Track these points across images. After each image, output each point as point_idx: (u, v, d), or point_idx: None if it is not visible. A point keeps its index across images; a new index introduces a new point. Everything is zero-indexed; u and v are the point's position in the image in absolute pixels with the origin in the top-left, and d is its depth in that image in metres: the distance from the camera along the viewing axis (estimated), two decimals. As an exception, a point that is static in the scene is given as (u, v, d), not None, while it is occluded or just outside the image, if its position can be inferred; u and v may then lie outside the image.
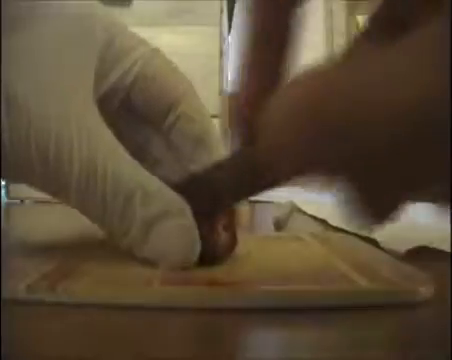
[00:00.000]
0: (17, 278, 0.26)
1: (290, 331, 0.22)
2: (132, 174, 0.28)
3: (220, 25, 0.94)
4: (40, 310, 0.23)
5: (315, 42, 1.98)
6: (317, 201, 0.88)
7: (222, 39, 0.97)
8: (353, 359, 0.19)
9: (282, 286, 0.26)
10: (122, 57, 0.32)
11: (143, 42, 0.33)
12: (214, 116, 0.89)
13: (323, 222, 0.56)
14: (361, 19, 2.14)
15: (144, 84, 0.33)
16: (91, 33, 0.30)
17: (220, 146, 0.34)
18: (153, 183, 0.29)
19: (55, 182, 0.28)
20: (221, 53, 0.93)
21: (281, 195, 0.98)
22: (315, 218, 0.61)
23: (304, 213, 0.67)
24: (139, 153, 0.31)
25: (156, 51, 0.34)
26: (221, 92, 0.93)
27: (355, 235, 0.44)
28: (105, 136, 0.29)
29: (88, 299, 0.24)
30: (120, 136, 0.29)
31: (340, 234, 0.46)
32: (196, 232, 0.28)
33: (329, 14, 2.01)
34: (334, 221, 0.53)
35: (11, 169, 0.29)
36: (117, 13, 0.88)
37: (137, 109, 0.33)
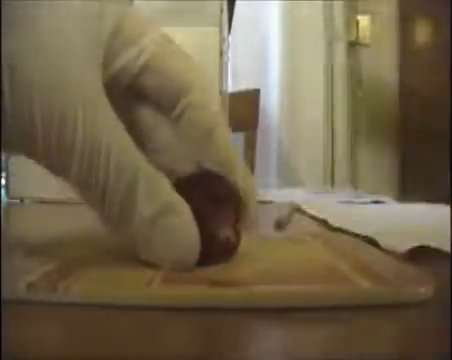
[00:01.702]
0: (17, 278, 0.26)
1: (290, 331, 0.22)
2: (136, 163, 0.28)
3: (220, 25, 0.93)
4: (40, 310, 0.23)
5: (315, 42, 1.98)
6: (318, 201, 0.88)
7: (222, 39, 0.97)
8: (353, 359, 0.19)
9: (282, 286, 0.26)
10: (131, 42, 0.32)
11: (153, 28, 0.33)
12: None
13: (324, 222, 0.56)
14: (361, 19, 2.14)
15: (154, 70, 0.32)
16: (100, 16, 0.30)
17: (228, 136, 0.33)
18: (157, 177, 0.29)
19: (57, 158, 0.28)
20: (221, 53, 0.93)
21: (282, 195, 0.99)
22: (316, 218, 0.61)
23: (305, 213, 0.67)
24: (141, 140, 0.31)
25: (166, 37, 0.33)
26: (221, 92, 0.93)
27: (355, 235, 0.44)
28: (111, 118, 0.28)
29: (88, 299, 0.24)
30: (124, 122, 0.29)
31: (340, 234, 0.46)
32: (196, 230, 0.28)
33: (329, 14, 2.01)
34: (335, 221, 0.53)
35: (15, 140, 0.28)
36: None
37: (146, 95, 0.33)
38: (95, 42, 0.30)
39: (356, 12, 2.12)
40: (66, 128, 0.27)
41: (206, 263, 0.29)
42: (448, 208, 0.62)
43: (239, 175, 0.32)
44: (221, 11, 0.95)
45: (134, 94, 0.33)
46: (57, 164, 0.28)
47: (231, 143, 0.33)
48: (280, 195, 0.99)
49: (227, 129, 0.33)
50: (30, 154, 0.29)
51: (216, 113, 0.33)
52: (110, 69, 0.31)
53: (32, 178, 0.81)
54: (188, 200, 0.29)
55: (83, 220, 0.30)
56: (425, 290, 0.25)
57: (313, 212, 0.64)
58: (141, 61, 0.32)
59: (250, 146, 1.69)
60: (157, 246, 0.28)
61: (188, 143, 0.33)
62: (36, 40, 0.27)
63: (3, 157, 0.83)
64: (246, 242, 0.33)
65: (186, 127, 0.33)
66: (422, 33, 2.15)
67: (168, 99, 0.33)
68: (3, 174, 0.86)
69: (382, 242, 0.40)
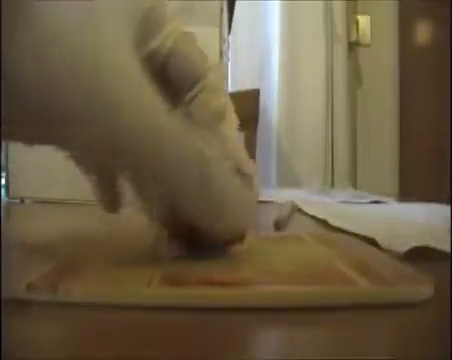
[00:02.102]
0: (17, 278, 0.26)
1: (290, 331, 0.22)
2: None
3: (220, 25, 0.93)
4: (40, 310, 0.23)
5: (315, 42, 1.98)
6: (317, 201, 0.88)
7: (222, 39, 0.96)
8: (353, 359, 0.19)
9: (282, 286, 0.26)
10: (163, 24, 0.32)
11: (174, 17, 0.34)
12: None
13: (323, 222, 0.56)
14: (361, 19, 2.14)
15: (179, 53, 0.33)
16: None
17: (235, 129, 0.34)
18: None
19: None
20: (221, 53, 0.93)
21: (282, 195, 0.98)
22: (315, 218, 0.61)
23: (304, 213, 0.67)
24: None
25: (184, 28, 0.34)
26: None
27: (355, 235, 0.44)
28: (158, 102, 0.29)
29: (88, 299, 0.24)
30: None
31: (340, 234, 0.46)
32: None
33: (329, 14, 2.01)
34: (334, 221, 0.53)
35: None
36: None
37: (167, 79, 0.33)
38: (131, 21, 0.30)
39: (356, 12, 2.12)
40: (111, 114, 0.26)
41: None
42: (448, 208, 0.62)
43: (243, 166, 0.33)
44: (221, 11, 0.95)
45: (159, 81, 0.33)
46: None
47: (237, 136, 0.34)
48: (280, 195, 0.99)
49: (235, 123, 0.34)
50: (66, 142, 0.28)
51: (227, 102, 0.34)
52: (144, 50, 0.31)
53: (32, 178, 0.81)
54: None
55: (83, 220, 0.30)
56: (425, 290, 0.25)
57: (313, 212, 0.64)
58: (169, 43, 0.32)
59: (250, 146, 1.69)
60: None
61: (195, 127, 0.33)
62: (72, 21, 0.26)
63: (3, 157, 0.83)
64: (246, 242, 0.33)
65: (197, 108, 0.33)
66: (422, 33, 2.15)
67: (187, 81, 0.33)
68: (3, 174, 0.86)
69: (382, 242, 0.40)
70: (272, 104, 1.98)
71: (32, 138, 0.28)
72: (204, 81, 0.33)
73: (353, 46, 2.12)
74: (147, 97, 0.28)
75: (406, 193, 1.95)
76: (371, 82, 2.12)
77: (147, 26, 0.31)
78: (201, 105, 0.33)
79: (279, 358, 0.19)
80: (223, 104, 0.34)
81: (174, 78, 0.33)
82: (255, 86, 1.84)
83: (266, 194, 0.96)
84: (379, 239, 0.41)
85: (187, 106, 0.33)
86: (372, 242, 0.40)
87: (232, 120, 0.34)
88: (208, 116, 0.33)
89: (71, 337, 0.21)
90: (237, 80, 1.91)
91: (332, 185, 1.95)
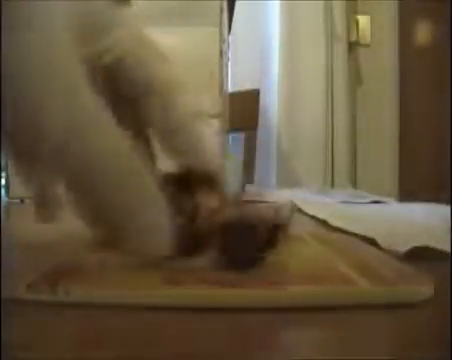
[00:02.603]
0: (17, 278, 0.26)
1: (290, 331, 0.22)
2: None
3: (220, 25, 0.93)
4: (40, 310, 0.23)
5: (315, 42, 1.98)
6: (317, 201, 0.88)
7: (222, 39, 0.96)
8: (353, 359, 0.19)
9: (282, 286, 0.26)
10: (108, 30, 0.32)
11: (131, 21, 0.34)
12: (214, 116, 0.89)
13: (323, 222, 0.56)
14: (361, 19, 2.14)
15: (129, 61, 0.33)
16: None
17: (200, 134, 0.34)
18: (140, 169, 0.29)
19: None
20: (221, 53, 0.93)
21: (281, 195, 0.99)
22: (315, 218, 0.61)
23: (304, 213, 0.67)
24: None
25: (143, 32, 0.34)
26: (221, 92, 0.93)
27: (355, 235, 0.44)
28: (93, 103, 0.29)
29: (88, 299, 0.24)
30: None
31: (340, 234, 0.46)
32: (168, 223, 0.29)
33: (329, 14, 2.01)
34: (334, 221, 0.53)
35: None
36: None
37: (116, 89, 0.34)
38: (71, 22, 0.30)
39: (356, 12, 2.12)
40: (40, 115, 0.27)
41: (185, 253, 0.30)
42: (448, 208, 0.62)
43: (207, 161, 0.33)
44: (221, 11, 0.95)
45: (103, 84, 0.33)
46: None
47: (207, 149, 0.34)
48: (280, 195, 0.99)
49: (199, 132, 0.34)
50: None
51: (188, 103, 0.35)
52: (90, 50, 0.31)
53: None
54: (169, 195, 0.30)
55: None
56: (425, 290, 0.25)
57: (313, 212, 0.64)
58: (122, 46, 0.32)
59: (250, 146, 1.69)
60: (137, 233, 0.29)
61: (152, 126, 0.34)
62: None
63: (3, 157, 0.83)
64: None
65: (159, 121, 0.34)
66: (422, 33, 2.15)
67: (141, 84, 0.33)
68: (3, 174, 0.86)
69: (382, 242, 0.40)
70: (272, 104, 1.98)
71: None
72: (161, 95, 0.33)
73: (353, 46, 2.11)
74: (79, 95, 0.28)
75: (406, 193, 1.95)
76: (371, 82, 2.12)
77: (92, 28, 0.32)
78: (165, 109, 0.34)
79: (279, 357, 0.19)
80: (185, 106, 0.34)
81: (126, 80, 0.33)
82: (255, 86, 1.84)
83: (266, 194, 0.96)
84: (379, 239, 0.41)
85: (148, 108, 0.34)
86: (372, 242, 0.40)
87: (198, 123, 0.35)
88: (169, 132, 0.33)
89: (71, 337, 0.21)
90: (237, 80, 1.91)
91: (332, 185, 1.95)
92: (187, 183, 0.32)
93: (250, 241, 0.28)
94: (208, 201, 0.31)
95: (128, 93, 0.34)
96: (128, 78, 0.33)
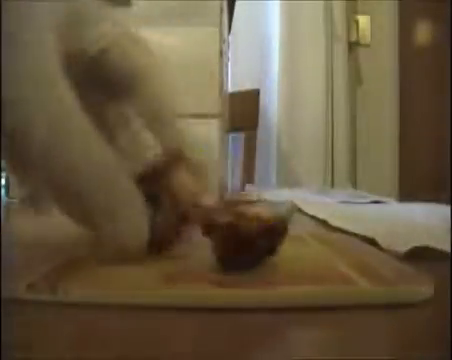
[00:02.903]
0: (17, 278, 0.26)
1: (290, 331, 0.22)
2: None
3: (220, 25, 0.93)
4: (40, 310, 0.23)
5: (315, 42, 1.98)
6: (317, 201, 0.88)
7: (222, 39, 0.96)
8: (353, 359, 0.19)
9: (282, 286, 0.26)
10: (92, 25, 0.33)
11: (111, 19, 0.34)
12: (214, 116, 0.89)
13: (323, 222, 0.56)
14: (361, 19, 2.14)
15: (111, 57, 0.33)
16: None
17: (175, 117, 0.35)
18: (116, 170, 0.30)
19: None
20: (221, 53, 0.93)
21: (281, 195, 0.98)
22: (315, 218, 0.61)
23: (304, 213, 0.67)
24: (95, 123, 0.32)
25: (123, 27, 0.35)
26: (221, 92, 0.93)
27: (355, 235, 0.44)
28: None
29: (88, 299, 0.24)
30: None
31: (340, 234, 0.46)
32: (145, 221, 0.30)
33: (329, 14, 2.01)
34: (334, 221, 0.53)
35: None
36: (117, 13, 0.88)
37: (102, 80, 0.34)
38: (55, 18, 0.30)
39: (356, 12, 2.12)
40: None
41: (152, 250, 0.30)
42: (448, 208, 0.62)
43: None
44: (221, 11, 0.95)
45: (90, 77, 0.34)
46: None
47: (186, 136, 0.35)
48: (280, 195, 0.99)
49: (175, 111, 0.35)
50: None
51: (170, 100, 0.35)
52: (74, 44, 0.32)
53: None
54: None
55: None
56: (425, 290, 0.25)
57: (313, 212, 0.64)
58: (106, 41, 0.33)
59: (250, 146, 1.69)
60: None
61: (141, 118, 0.34)
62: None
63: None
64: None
65: (143, 107, 0.34)
66: (422, 33, 2.15)
67: (125, 77, 0.34)
68: (3, 174, 0.86)
69: (382, 242, 0.40)
70: (272, 104, 1.98)
71: None
72: (144, 83, 0.34)
73: (353, 46, 2.11)
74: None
75: (406, 193, 1.95)
76: (371, 82, 2.12)
77: (78, 24, 0.32)
78: (146, 103, 0.34)
79: (279, 357, 0.19)
80: (166, 109, 0.35)
81: (111, 73, 0.34)
82: (255, 86, 1.83)
83: (266, 194, 0.96)
84: (379, 239, 0.41)
85: (131, 104, 0.34)
86: (372, 242, 0.40)
87: (177, 115, 0.35)
88: (155, 114, 0.34)
89: (71, 337, 0.21)
90: (237, 80, 1.91)
91: (332, 185, 1.95)
92: (160, 177, 0.32)
93: (249, 245, 0.28)
94: (185, 184, 0.32)
95: (114, 84, 0.34)
96: (113, 69, 0.34)
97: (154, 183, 0.31)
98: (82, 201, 0.29)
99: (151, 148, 0.34)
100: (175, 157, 0.33)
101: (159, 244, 0.31)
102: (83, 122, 0.29)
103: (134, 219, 0.30)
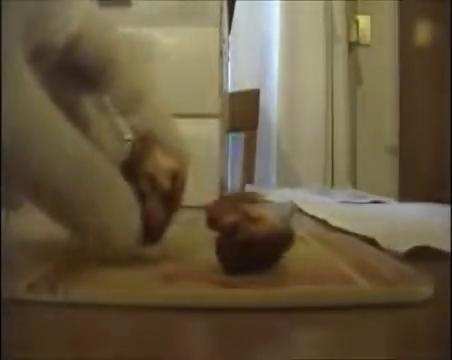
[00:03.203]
0: (17, 278, 0.26)
1: (290, 331, 0.22)
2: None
3: (220, 25, 0.93)
4: (40, 310, 0.23)
5: (315, 42, 1.98)
6: (317, 201, 0.88)
7: (222, 39, 0.96)
8: (353, 359, 0.19)
9: (282, 286, 0.26)
10: (53, 16, 0.32)
11: (76, 6, 0.33)
12: (214, 116, 0.89)
13: (323, 222, 0.56)
14: (361, 19, 2.14)
15: (82, 43, 0.33)
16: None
17: (158, 102, 0.35)
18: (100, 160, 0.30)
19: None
20: (221, 53, 0.93)
21: (282, 195, 0.98)
22: (315, 218, 0.61)
23: (304, 213, 0.67)
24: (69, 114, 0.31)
25: (91, 12, 0.34)
26: (221, 92, 0.93)
27: (355, 235, 0.44)
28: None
29: (88, 299, 0.24)
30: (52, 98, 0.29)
31: (340, 234, 0.46)
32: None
33: (329, 14, 2.01)
34: (334, 221, 0.53)
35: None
36: (117, 13, 0.88)
37: (75, 68, 0.33)
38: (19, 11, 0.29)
39: (356, 12, 2.12)
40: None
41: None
42: (448, 208, 0.62)
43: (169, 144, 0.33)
44: (221, 11, 0.95)
45: (62, 69, 0.33)
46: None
47: (163, 112, 0.34)
48: (280, 195, 0.99)
49: (156, 99, 0.34)
50: None
51: (147, 82, 0.34)
52: (40, 35, 0.31)
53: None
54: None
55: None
56: (425, 290, 0.25)
57: (313, 212, 0.64)
58: (74, 26, 0.32)
59: (250, 146, 1.69)
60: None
61: (119, 108, 0.33)
62: None
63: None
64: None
65: (117, 92, 0.33)
66: (422, 33, 2.15)
67: (97, 67, 0.33)
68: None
69: (382, 242, 0.40)
70: (272, 104, 1.98)
71: None
72: (116, 65, 0.33)
73: (353, 46, 2.11)
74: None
75: (406, 193, 1.95)
76: (371, 82, 2.12)
77: (41, 15, 0.31)
78: (121, 89, 0.33)
79: (279, 357, 0.19)
80: (141, 85, 0.34)
81: (83, 60, 0.33)
82: (255, 86, 1.83)
83: (266, 194, 0.96)
84: (379, 239, 0.41)
85: (103, 91, 0.34)
86: (372, 242, 0.40)
87: (154, 100, 0.34)
88: (129, 97, 0.33)
89: (71, 337, 0.21)
90: (237, 80, 1.91)
91: (332, 185, 1.95)
92: (136, 163, 0.32)
93: (251, 248, 0.28)
94: (161, 164, 0.31)
95: (86, 71, 0.33)
96: (84, 55, 0.33)
97: (131, 171, 0.31)
98: (61, 198, 0.28)
99: (124, 134, 0.33)
100: (147, 140, 0.32)
101: (152, 232, 0.31)
102: (55, 116, 0.28)
103: (121, 211, 0.29)
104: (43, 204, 0.29)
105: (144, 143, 0.32)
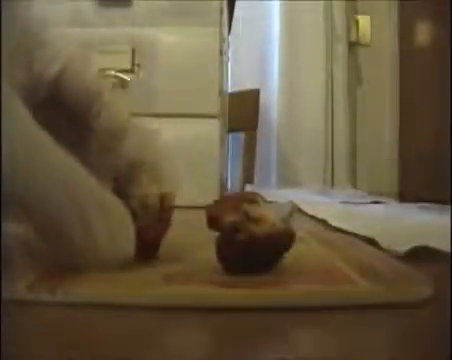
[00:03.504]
0: (17, 278, 0.26)
1: (290, 331, 0.22)
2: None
3: (220, 25, 0.93)
4: (40, 310, 0.23)
5: (315, 42, 1.98)
6: (317, 201, 0.88)
7: (222, 39, 0.96)
8: (353, 359, 0.19)
9: (282, 286, 0.26)
10: (42, 49, 0.33)
11: (60, 38, 0.34)
12: (214, 116, 0.89)
13: (323, 222, 0.56)
14: (361, 19, 2.14)
15: (70, 76, 0.33)
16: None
17: (142, 137, 0.35)
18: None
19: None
20: (221, 53, 0.93)
21: (282, 195, 0.98)
22: (315, 218, 0.61)
23: (304, 213, 0.67)
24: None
25: (75, 48, 0.35)
26: (221, 92, 0.93)
27: (355, 235, 0.44)
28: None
29: (88, 299, 0.24)
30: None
31: (340, 234, 0.46)
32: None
33: (329, 14, 2.01)
34: (334, 221, 0.53)
35: None
36: (117, 13, 0.88)
37: (63, 102, 0.34)
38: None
39: (356, 12, 2.12)
40: None
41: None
42: (448, 208, 0.62)
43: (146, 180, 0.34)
44: (221, 11, 0.95)
45: (51, 104, 0.34)
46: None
47: (146, 143, 0.35)
48: (280, 195, 0.99)
49: (140, 130, 0.35)
50: None
51: (128, 115, 0.35)
52: (30, 73, 0.32)
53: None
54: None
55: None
56: (425, 290, 0.25)
57: (313, 212, 0.64)
58: (58, 64, 0.33)
59: (250, 146, 1.69)
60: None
61: (104, 141, 0.34)
62: None
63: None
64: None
65: (104, 123, 0.34)
66: (422, 33, 2.15)
67: (85, 100, 0.34)
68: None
69: (382, 242, 0.40)
70: (272, 104, 1.98)
71: None
72: (103, 99, 0.34)
73: (353, 46, 2.11)
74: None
75: (406, 193, 1.95)
76: (371, 82, 2.12)
77: (27, 50, 0.32)
78: (105, 122, 0.34)
79: (279, 357, 0.19)
80: (124, 118, 0.35)
81: (68, 97, 0.34)
82: (255, 86, 1.83)
83: (266, 194, 0.96)
84: (379, 239, 0.41)
85: (91, 124, 0.34)
86: (372, 242, 0.40)
87: (137, 129, 0.35)
88: (114, 131, 0.34)
89: (71, 337, 0.21)
90: (237, 80, 1.91)
91: (332, 185, 1.95)
92: (125, 186, 0.33)
93: (251, 248, 0.28)
94: (148, 187, 0.32)
95: (72, 105, 0.34)
96: (70, 90, 0.34)
97: (121, 196, 0.32)
98: (53, 217, 0.28)
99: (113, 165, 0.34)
100: (134, 168, 0.34)
101: (146, 249, 0.31)
102: (43, 137, 0.29)
103: (117, 226, 0.30)
104: (38, 227, 0.29)
105: (132, 170, 0.34)
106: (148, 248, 0.32)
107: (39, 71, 0.32)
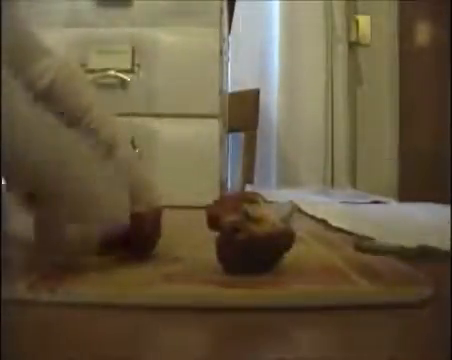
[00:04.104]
0: (17, 278, 0.26)
1: (290, 331, 0.22)
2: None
3: (220, 25, 0.93)
4: (40, 310, 0.23)
5: (315, 42, 1.98)
6: (317, 201, 0.88)
7: (222, 39, 0.96)
8: (353, 359, 0.19)
9: (282, 286, 0.26)
10: (36, 58, 0.33)
11: (50, 53, 0.35)
12: (214, 116, 0.89)
13: (323, 222, 0.56)
14: (361, 19, 2.14)
15: (61, 87, 0.34)
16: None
17: (130, 152, 0.36)
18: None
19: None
20: (221, 53, 0.93)
21: (281, 195, 0.99)
22: (315, 218, 0.61)
23: (304, 213, 0.67)
24: None
25: (66, 62, 0.35)
26: (221, 92, 0.93)
27: (355, 235, 0.44)
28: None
29: (88, 299, 0.24)
30: None
31: (340, 234, 0.46)
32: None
33: (329, 14, 2.01)
34: (334, 221, 0.53)
35: None
36: (117, 13, 0.88)
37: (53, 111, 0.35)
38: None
39: (356, 12, 2.12)
40: None
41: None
42: (448, 208, 0.62)
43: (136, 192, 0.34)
44: (221, 11, 0.95)
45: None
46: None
47: (133, 159, 0.36)
48: (280, 195, 0.99)
49: (128, 147, 0.36)
50: None
51: (116, 126, 0.36)
52: (23, 77, 0.32)
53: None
54: None
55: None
56: (425, 290, 0.25)
57: (313, 212, 0.64)
58: (50, 75, 0.33)
59: (250, 146, 1.69)
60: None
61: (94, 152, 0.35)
62: None
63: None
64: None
65: (92, 138, 0.34)
66: (422, 33, 2.15)
67: (74, 115, 0.34)
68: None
69: (381, 241, 0.40)
70: (272, 104, 1.98)
71: None
72: (92, 112, 0.35)
73: (353, 46, 2.11)
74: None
75: (406, 193, 1.95)
76: (371, 82, 2.12)
77: (22, 58, 0.33)
78: (95, 136, 0.34)
79: (279, 357, 0.19)
80: (114, 131, 0.35)
81: (56, 106, 0.34)
82: (255, 86, 1.84)
83: (266, 194, 0.96)
84: (379, 239, 0.41)
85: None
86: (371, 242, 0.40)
87: (126, 144, 0.36)
88: (104, 143, 0.34)
89: (71, 337, 0.21)
90: (237, 80, 1.91)
91: (332, 185, 1.95)
92: None
93: (251, 248, 0.28)
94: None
95: (65, 118, 0.35)
96: (58, 102, 0.34)
97: None
98: (52, 179, 0.29)
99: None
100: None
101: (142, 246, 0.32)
102: (47, 119, 0.30)
103: (110, 182, 0.31)
104: (38, 192, 0.30)
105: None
106: (144, 244, 0.32)
107: (32, 80, 0.33)
